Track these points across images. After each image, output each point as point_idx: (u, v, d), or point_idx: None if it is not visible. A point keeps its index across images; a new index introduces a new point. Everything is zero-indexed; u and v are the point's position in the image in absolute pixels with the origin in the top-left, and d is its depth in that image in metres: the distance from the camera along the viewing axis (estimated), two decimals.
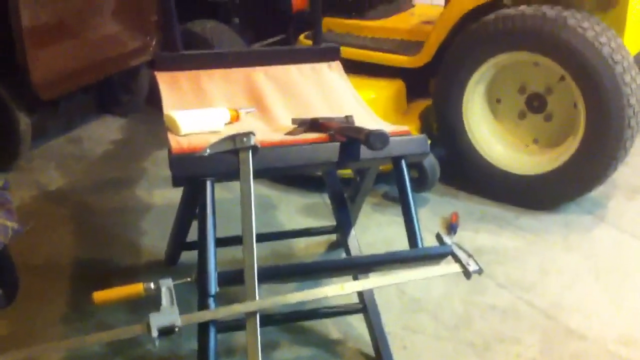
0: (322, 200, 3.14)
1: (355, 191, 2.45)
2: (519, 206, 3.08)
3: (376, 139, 1.73)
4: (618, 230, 2.92)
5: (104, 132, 4.02)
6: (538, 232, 2.90)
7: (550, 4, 2.82)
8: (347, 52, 3.10)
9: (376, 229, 2.93)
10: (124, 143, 3.88)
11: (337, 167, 2.19)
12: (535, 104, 3.09)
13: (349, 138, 1.86)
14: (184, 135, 1.94)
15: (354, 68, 2.84)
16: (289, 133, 1.99)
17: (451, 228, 2.90)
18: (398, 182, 1.96)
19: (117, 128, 4.09)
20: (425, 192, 3.17)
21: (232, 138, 1.79)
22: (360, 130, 1.80)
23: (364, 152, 1.88)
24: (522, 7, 2.84)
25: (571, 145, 2.90)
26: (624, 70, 2.73)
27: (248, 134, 1.79)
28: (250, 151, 1.78)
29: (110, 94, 4.23)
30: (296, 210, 3.09)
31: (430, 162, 3.08)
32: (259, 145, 1.79)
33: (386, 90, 3.34)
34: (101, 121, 4.19)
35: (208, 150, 1.80)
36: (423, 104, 3.42)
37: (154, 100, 2.35)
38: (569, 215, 3.02)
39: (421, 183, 3.10)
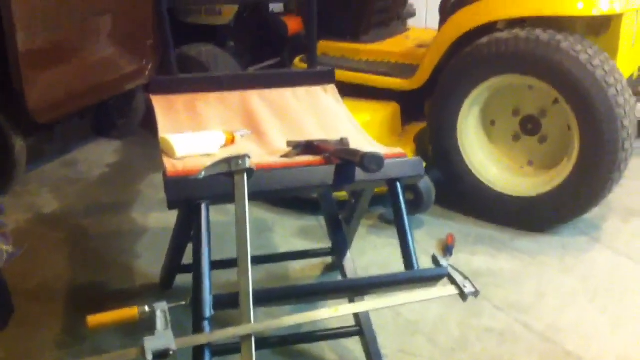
0: (318, 222, 3.13)
1: (350, 213, 2.44)
2: (514, 228, 3.08)
3: (371, 161, 1.74)
4: (614, 252, 2.91)
5: (100, 155, 4.02)
6: (534, 254, 2.90)
7: (543, 28, 2.85)
8: (342, 75, 3.12)
9: (372, 251, 2.92)
10: (120, 166, 3.88)
11: (333, 189, 2.19)
12: (530, 126, 3.10)
13: (344, 160, 1.87)
14: (179, 158, 1.94)
15: (349, 91, 2.86)
16: (284, 155, 1.99)
17: (447, 250, 2.89)
18: (393, 205, 1.96)
19: (113, 151, 4.09)
20: (421, 214, 3.17)
21: (227, 161, 1.79)
22: (355, 152, 1.80)
23: (359, 174, 1.88)
24: (516, 31, 2.87)
25: (566, 167, 2.91)
26: (618, 93, 2.75)
27: (243, 157, 1.79)
28: (245, 174, 1.78)
29: (106, 118, 4.24)
30: (291, 232, 3.09)
31: (426, 184, 3.08)
32: (254, 168, 1.79)
33: (381, 113, 3.35)
34: (97, 144, 4.19)
35: (203, 173, 1.79)
36: (418, 126, 3.44)
37: (150, 123, 2.35)
38: (564, 237, 3.02)
39: (417, 205, 3.10)
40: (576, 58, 2.74)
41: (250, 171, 1.78)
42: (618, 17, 2.97)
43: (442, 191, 3.20)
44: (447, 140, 3.12)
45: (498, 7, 2.96)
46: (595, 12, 2.79)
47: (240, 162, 1.78)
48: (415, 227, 3.07)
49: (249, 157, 1.79)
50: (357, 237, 2.62)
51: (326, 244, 2.64)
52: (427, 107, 3.37)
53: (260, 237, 3.03)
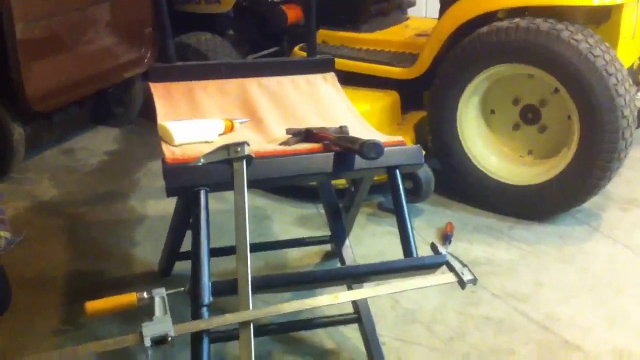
0: (317, 210, 3.13)
1: (349, 201, 2.44)
2: (513, 217, 3.08)
3: (370, 148, 1.73)
4: (612, 242, 2.92)
5: (98, 143, 4.02)
6: (533, 243, 2.90)
7: (544, 17, 2.83)
8: (341, 63, 3.12)
9: (371, 240, 2.92)
10: (118, 154, 3.87)
11: (332, 177, 2.18)
12: (530, 115, 3.10)
13: (343, 148, 1.86)
14: (178, 145, 1.94)
15: (348, 80, 2.85)
16: (283, 143, 1.98)
17: (446, 238, 2.89)
18: (392, 193, 1.95)
19: (111, 140, 4.08)
20: (420, 203, 3.17)
21: (226, 148, 1.79)
22: (354, 140, 1.80)
23: (359, 162, 1.88)
24: (516, 20, 2.85)
25: (565, 157, 2.91)
26: (618, 82, 2.74)
27: (242, 144, 1.78)
28: (245, 161, 1.78)
29: (105, 106, 4.24)
30: (290, 220, 3.09)
31: (425, 173, 3.08)
32: (253, 155, 1.79)
33: (381, 101, 3.34)
34: (95, 133, 4.18)
35: (202, 160, 1.79)
36: (418, 115, 3.43)
37: (148, 112, 2.34)
38: (563, 227, 3.03)
39: (416, 194, 3.10)
40: (576, 47, 2.73)
41: (249, 158, 1.78)
42: (618, 7, 2.96)
43: (441, 180, 3.20)
44: (446, 129, 3.12)
45: None
46: (597, 1, 2.78)
47: (239, 149, 1.78)
48: (414, 216, 3.07)
49: (248, 145, 1.79)
50: (356, 225, 2.62)
51: (325, 231, 2.64)
52: (426, 96, 3.36)
53: (259, 225, 3.03)
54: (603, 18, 3.03)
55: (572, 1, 2.81)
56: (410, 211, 1.97)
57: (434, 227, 3.02)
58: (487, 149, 3.16)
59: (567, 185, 2.90)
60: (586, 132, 2.81)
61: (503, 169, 3.11)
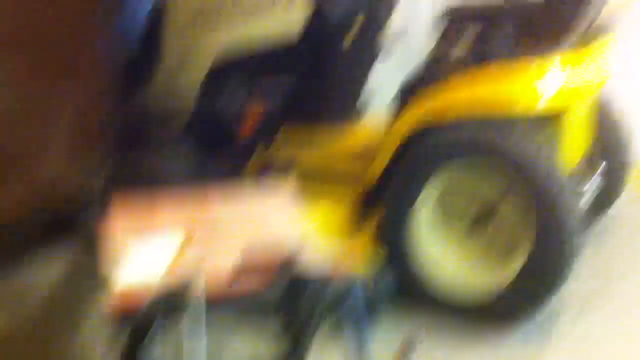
0: (274, 329, 3.01)
1: (307, 321, 2.41)
2: (474, 323, 3.02)
3: (314, 293, 1.75)
4: (570, 345, 2.90)
5: (46, 270, 3.82)
6: (494, 352, 2.86)
7: (492, 116, 2.89)
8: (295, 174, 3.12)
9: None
10: (67, 285, 3.68)
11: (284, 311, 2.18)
12: (484, 215, 3.09)
13: (291, 288, 1.87)
14: (126, 286, 1.92)
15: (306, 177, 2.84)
16: (235, 280, 1.98)
17: (407, 349, 2.81)
18: (346, 316, 1.96)
19: (61, 268, 3.86)
20: (379, 311, 3.10)
21: (174, 294, 1.78)
22: (301, 280, 1.82)
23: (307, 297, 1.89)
24: (465, 119, 2.91)
25: (519, 260, 2.91)
26: (566, 182, 2.81)
27: (192, 290, 1.77)
28: (196, 306, 1.77)
29: (56, 229, 4.12)
30: (247, 339, 2.99)
31: (383, 284, 3.02)
32: (204, 303, 1.78)
33: (340, 205, 3.33)
34: (45, 257, 3.98)
35: (149, 308, 1.78)
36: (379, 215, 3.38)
37: (101, 232, 2.30)
38: (520, 332, 2.99)
39: (375, 303, 3.04)
40: (525, 147, 2.80)
41: (200, 305, 1.77)
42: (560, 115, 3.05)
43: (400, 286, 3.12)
44: (399, 235, 3.09)
45: (442, 108, 2.99)
46: (537, 111, 2.88)
47: (190, 296, 1.76)
48: (374, 323, 2.96)
49: (199, 288, 1.79)
50: (315, 343, 2.54)
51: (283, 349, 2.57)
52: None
53: (217, 345, 2.93)
54: (550, 117, 3.08)
55: (511, 113, 2.88)
56: (369, 326, 1.95)
57: (394, 336, 2.93)
58: (443, 252, 3.13)
59: (525, 288, 2.90)
60: (539, 232, 2.83)
61: (459, 273, 3.08)
